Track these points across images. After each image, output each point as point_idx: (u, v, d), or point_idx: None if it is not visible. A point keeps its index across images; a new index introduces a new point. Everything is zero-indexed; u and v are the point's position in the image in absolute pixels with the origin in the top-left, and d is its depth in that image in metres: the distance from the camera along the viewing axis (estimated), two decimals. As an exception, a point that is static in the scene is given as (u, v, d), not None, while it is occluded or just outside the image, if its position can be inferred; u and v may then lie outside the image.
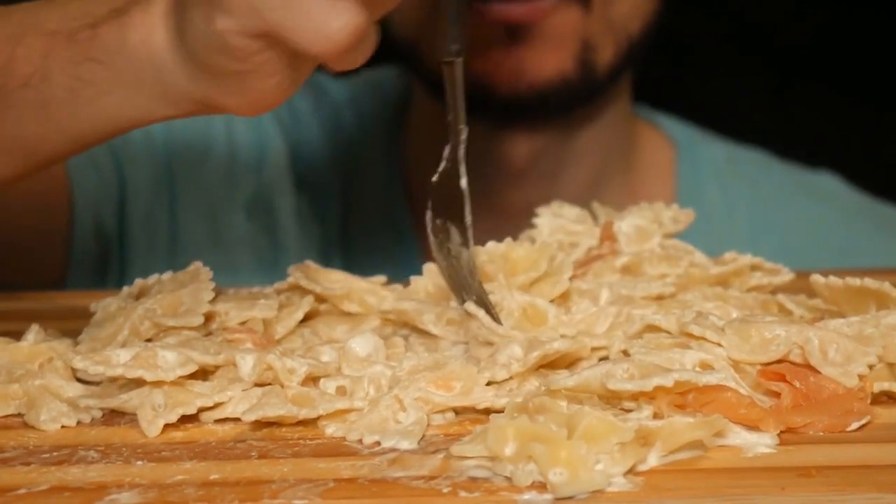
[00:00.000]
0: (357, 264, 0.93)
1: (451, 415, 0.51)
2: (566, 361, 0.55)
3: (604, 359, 0.54)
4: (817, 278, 0.57)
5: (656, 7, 0.91)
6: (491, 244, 0.61)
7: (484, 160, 0.94)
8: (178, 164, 0.97)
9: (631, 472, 0.44)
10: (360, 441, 0.49)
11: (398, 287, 0.63)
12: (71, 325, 0.60)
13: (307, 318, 0.60)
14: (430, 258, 0.63)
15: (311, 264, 0.62)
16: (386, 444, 0.48)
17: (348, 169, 1.01)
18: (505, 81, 0.86)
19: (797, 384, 0.49)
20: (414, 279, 0.62)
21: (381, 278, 0.63)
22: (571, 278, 0.61)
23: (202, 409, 0.51)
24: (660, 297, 0.59)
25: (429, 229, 0.62)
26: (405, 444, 0.48)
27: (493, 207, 0.94)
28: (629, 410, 0.48)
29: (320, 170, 1.01)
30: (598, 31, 0.88)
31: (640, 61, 0.96)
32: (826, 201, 1.02)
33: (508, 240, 0.61)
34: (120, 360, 0.51)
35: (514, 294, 0.57)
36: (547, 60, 0.87)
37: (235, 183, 0.99)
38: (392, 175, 1.00)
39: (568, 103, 0.89)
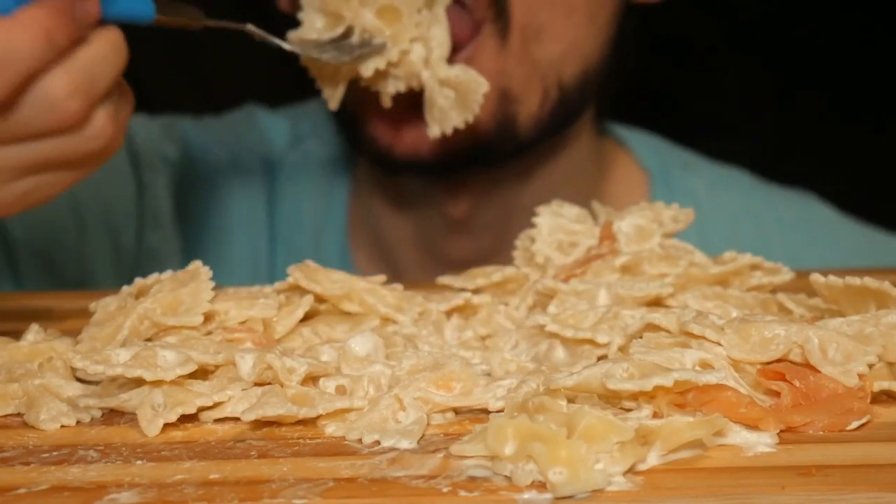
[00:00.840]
0: None
1: (450, 414, 0.51)
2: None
3: (603, 358, 0.54)
4: (817, 278, 0.57)
5: (600, 52, 0.84)
6: None
7: (422, 210, 0.91)
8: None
9: (631, 471, 0.44)
10: (360, 440, 0.49)
11: (398, 287, 0.63)
12: (71, 325, 0.60)
13: (307, 318, 0.60)
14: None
15: (310, 264, 0.62)
16: (386, 444, 0.48)
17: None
18: (404, 146, 0.81)
19: (797, 383, 0.49)
20: None
21: (381, 278, 0.63)
22: (570, 278, 0.61)
23: (202, 409, 0.51)
24: (657, 299, 0.59)
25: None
26: (405, 444, 0.48)
27: (439, 257, 0.91)
28: (629, 410, 0.48)
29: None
30: (520, 74, 0.81)
31: (604, 101, 0.89)
32: (808, 228, 0.98)
33: None
34: (119, 360, 0.51)
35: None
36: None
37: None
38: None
39: (484, 158, 0.83)
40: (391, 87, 0.75)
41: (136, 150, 0.97)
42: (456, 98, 0.74)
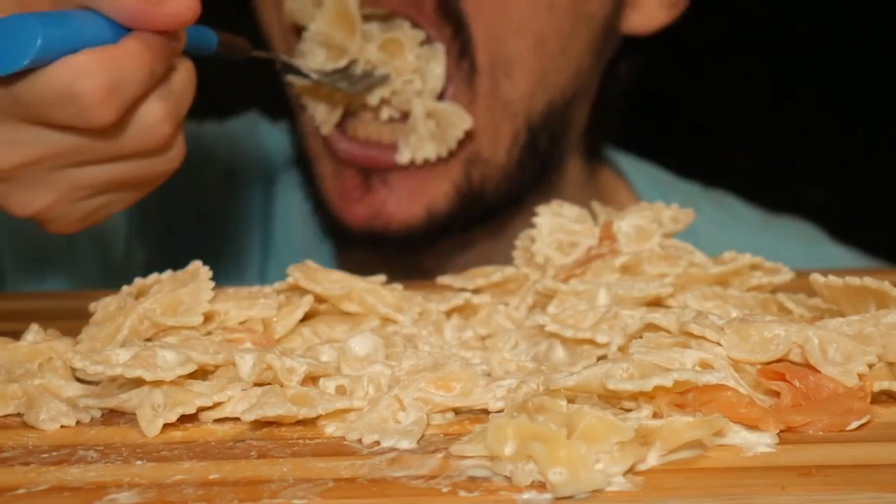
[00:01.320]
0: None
1: (450, 414, 0.51)
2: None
3: (603, 358, 0.54)
4: (817, 278, 0.57)
5: (572, 81, 0.82)
6: None
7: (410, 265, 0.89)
8: None
9: (630, 471, 0.44)
10: (360, 441, 0.49)
11: (398, 287, 0.63)
12: (71, 325, 0.60)
13: (307, 318, 0.60)
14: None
15: (310, 264, 0.62)
16: (385, 444, 0.48)
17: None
18: (357, 219, 0.81)
19: (797, 383, 0.49)
20: None
21: (381, 278, 0.63)
22: (570, 278, 0.61)
23: (201, 409, 0.51)
24: (657, 299, 0.59)
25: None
26: (405, 444, 0.48)
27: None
28: (629, 410, 0.48)
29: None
30: (488, 121, 0.80)
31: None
32: (808, 261, 0.94)
33: None
34: (119, 360, 0.51)
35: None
36: (412, 199, 0.80)
37: None
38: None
39: (448, 227, 0.82)
40: (385, 114, 0.80)
41: None
42: (436, 131, 0.78)
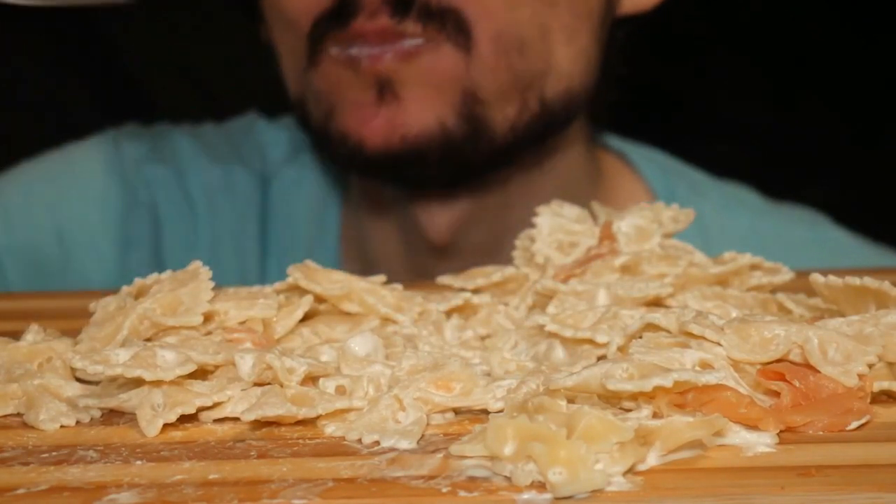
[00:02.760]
0: None
1: (450, 414, 0.51)
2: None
3: (602, 358, 0.54)
4: (817, 277, 0.57)
5: (582, 73, 0.85)
6: None
7: (406, 235, 0.91)
8: None
9: (630, 471, 0.44)
10: (360, 441, 0.48)
11: (398, 287, 0.63)
12: (70, 325, 0.60)
13: (307, 318, 0.60)
14: None
15: (310, 264, 0.62)
16: (385, 444, 0.48)
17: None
18: (375, 136, 0.82)
19: (797, 383, 0.49)
20: None
21: (381, 278, 0.63)
22: (570, 278, 0.61)
23: (201, 409, 0.51)
24: (657, 299, 0.59)
25: None
26: (404, 444, 0.48)
27: (429, 276, 0.90)
28: (629, 410, 0.48)
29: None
30: (492, 82, 0.82)
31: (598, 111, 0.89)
32: (816, 251, 0.96)
33: None
34: (119, 360, 0.51)
35: None
36: (421, 111, 0.81)
37: None
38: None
39: (456, 161, 0.83)
40: None
41: (123, 172, 0.98)
42: None
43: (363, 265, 0.95)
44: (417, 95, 0.81)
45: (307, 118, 0.87)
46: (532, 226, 0.65)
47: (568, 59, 0.84)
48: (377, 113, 0.82)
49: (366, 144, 0.82)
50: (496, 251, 0.88)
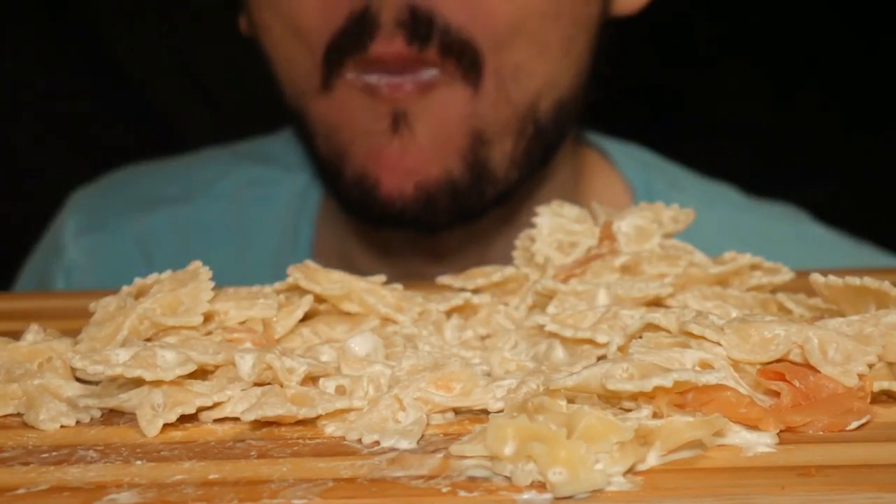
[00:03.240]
0: None
1: (450, 414, 0.51)
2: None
3: (602, 357, 0.54)
4: (817, 277, 0.57)
5: (575, 80, 0.84)
6: None
7: (391, 263, 0.91)
8: None
9: (630, 471, 0.44)
10: (360, 441, 0.48)
11: (398, 286, 0.63)
12: (71, 325, 0.60)
13: (307, 318, 0.60)
14: None
15: (310, 264, 0.62)
16: (385, 444, 0.48)
17: None
18: (390, 176, 0.81)
19: (797, 383, 0.49)
20: None
21: (381, 278, 0.63)
22: (570, 278, 0.61)
23: (201, 409, 0.51)
24: (657, 299, 0.59)
25: None
26: (404, 444, 0.48)
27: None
28: (629, 410, 0.48)
29: None
30: (493, 116, 0.81)
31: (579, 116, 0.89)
32: (795, 247, 0.95)
33: None
34: (119, 360, 0.51)
35: None
36: (431, 152, 0.80)
37: None
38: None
39: (460, 211, 0.83)
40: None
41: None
42: None
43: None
44: (430, 134, 0.80)
45: (311, 142, 0.86)
46: (535, 217, 0.65)
47: (561, 71, 0.83)
48: (390, 143, 0.80)
49: (380, 187, 0.81)
50: (487, 255, 0.88)
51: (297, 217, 0.98)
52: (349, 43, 0.80)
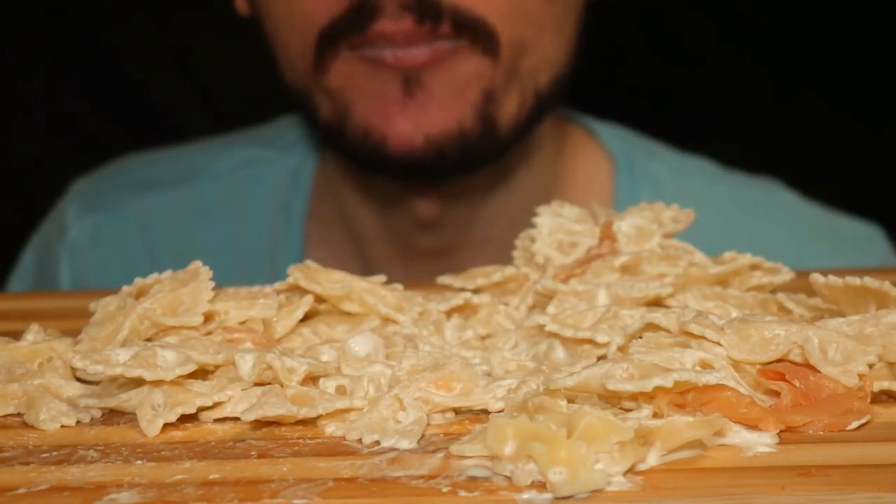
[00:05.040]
0: None
1: (450, 414, 0.51)
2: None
3: (603, 357, 0.54)
4: (817, 277, 0.57)
5: (567, 58, 0.88)
6: None
7: (390, 213, 0.94)
8: None
9: (630, 471, 0.44)
10: (360, 440, 0.49)
11: (398, 286, 0.63)
12: (71, 325, 0.60)
13: (307, 318, 0.60)
14: None
15: (311, 264, 0.62)
16: (385, 444, 0.48)
17: None
18: (400, 134, 0.82)
19: (797, 383, 0.49)
20: None
21: (381, 278, 0.63)
22: (570, 278, 0.61)
23: (201, 409, 0.51)
24: (657, 299, 0.59)
25: None
26: (405, 444, 0.48)
27: (406, 251, 0.94)
28: (629, 410, 0.48)
29: None
30: (503, 82, 0.84)
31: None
32: (772, 216, 0.99)
33: None
34: (119, 360, 0.51)
35: None
36: (447, 110, 0.82)
37: None
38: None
39: (467, 160, 0.85)
40: None
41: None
42: None
43: (340, 235, 0.98)
44: (445, 93, 0.82)
45: (313, 112, 0.87)
46: (533, 225, 0.65)
47: (556, 49, 0.87)
48: (404, 107, 0.82)
49: (388, 143, 0.83)
50: (473, 223, 0.92)
51: (290, 194, 1.00)
52: (344, 28, 0.81)
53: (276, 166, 1.02)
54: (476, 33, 0.82)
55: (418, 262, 0.94)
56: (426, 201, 0.91)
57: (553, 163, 0.96)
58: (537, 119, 0.89)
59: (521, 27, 0.83)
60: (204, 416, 0.51)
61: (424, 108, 0.82)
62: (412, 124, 0.82)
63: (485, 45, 0.82)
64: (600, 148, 1.00)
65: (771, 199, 1.01)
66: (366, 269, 0.94)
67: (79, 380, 0.55)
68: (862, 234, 1.00)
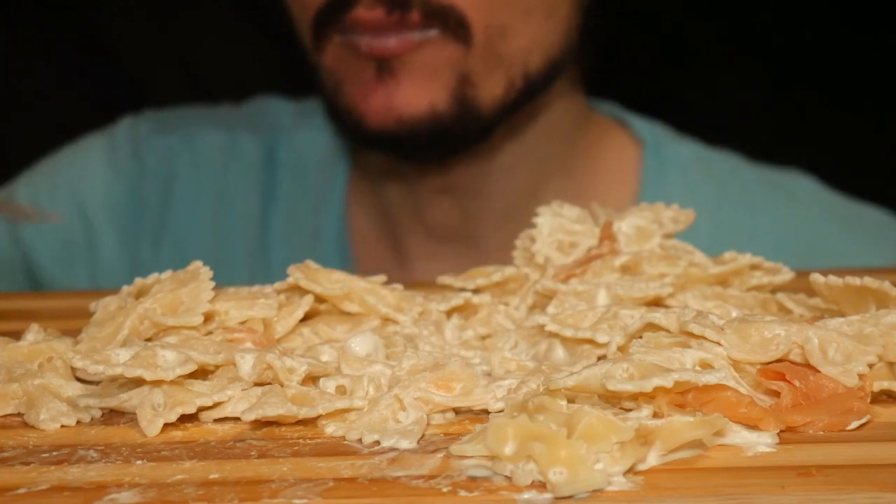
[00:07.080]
0: None
1: (450, 414, 0.51)
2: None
3: (603, 357, 0.54)
4: (817, 277, 0.57)
5: (563, 40, 0.90)
6: None
7: (398, 181, 0.97)
8: None
9: (631, 471, 0.44)
10: (360, 440, 0.49)
11: (398, 286, 0.63)
12: (71, 325, 0.60)
13: (307, 318, 0.60)
14: None
15: (311, 264, 0.62)
16: (385, 444, 0.48)
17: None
18: (374, 114, 0.87)
19: (797, 383, 0.49)
20: None
21: (381, 278, 0.63)
22: (570, 278, 0.61)
23: (202, 409, 0.51)
24: (657, 299, 0.59)
25: None
26: (405, 444, 0.48)
27: (422, 223, 0.97)
28: (629, 410, 0.48)
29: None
30: (483, 67, 0.87)
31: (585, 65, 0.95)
32: (794, 202, 1.01)
33: None
34: (119, 360, 0.51)
35: None
36: (416, 94, 0.86)
37: None
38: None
39: (445, 140, 0.88)
40: None
41: (136, 147, 1.06)
42: None
43: (372, 212, 1.01)
44: (414, 79, 0.86)
45: (321, 87, 0.92)
46: (533, 226, 0.65)
47: (548, 32, 0.89)
48: (375, 90, 0.86)
49: (365, 121, 0.87)
50: (484, 191, 0.95)
51: (334, 158, 1.04)
52: (331, 13, 0.87)
53: (328, 131, 1.06)
54: (446, 21, 0.85)
55: (441, 238, 0.97)
56: (428, 174, 0.95)
57: (576, 141, 0.98)
58: (528, 100, 0.91)
59: (498, 13, 0.86)
60: (204, 416, 0.51)
61: (394, 93, 0.86)
62: (384, 106, 0.87)
63: (456, 32, 0.85)
64: (628, 131, 1.02)
65: (795, 185, 1.03)
66: (395, 245, 0.99)
67: (79, 380, 0.55)
68: (881, 221, 1.02)
